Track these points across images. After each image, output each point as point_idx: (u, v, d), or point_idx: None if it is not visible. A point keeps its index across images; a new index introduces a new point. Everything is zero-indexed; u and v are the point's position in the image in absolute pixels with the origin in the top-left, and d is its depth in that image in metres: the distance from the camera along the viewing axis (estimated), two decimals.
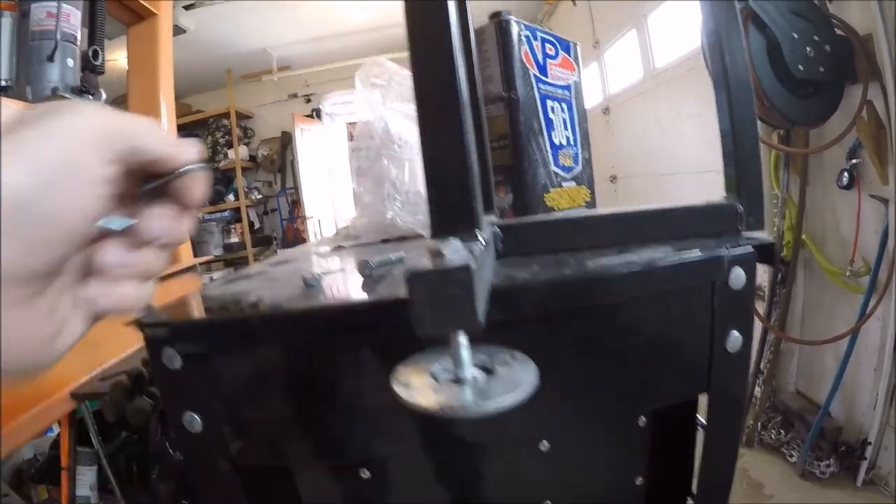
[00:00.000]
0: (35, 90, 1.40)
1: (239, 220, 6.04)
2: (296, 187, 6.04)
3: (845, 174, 2.18)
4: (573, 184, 0.90)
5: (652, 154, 3.78)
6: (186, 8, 4.50)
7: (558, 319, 0.49)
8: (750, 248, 0.51)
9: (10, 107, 0.31)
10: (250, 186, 6.26)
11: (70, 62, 1.48)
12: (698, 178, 3.14)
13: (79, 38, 1.52)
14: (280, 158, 6.33)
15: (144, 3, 1.94)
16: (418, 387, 0.31)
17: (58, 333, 0.32)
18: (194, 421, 0.53)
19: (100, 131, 0.31)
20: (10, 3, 1.43)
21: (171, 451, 1.27)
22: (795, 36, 1.95)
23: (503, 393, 0.30)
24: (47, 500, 1.71)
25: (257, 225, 6.31)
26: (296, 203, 6.08)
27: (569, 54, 0.96)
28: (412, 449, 0.55)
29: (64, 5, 1.44)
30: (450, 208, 0.34)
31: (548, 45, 0.90)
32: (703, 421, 0.65)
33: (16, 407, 1.19)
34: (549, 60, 0.90)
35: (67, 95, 1.44)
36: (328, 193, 5.48)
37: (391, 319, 0.46)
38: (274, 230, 6.43)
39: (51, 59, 1.42)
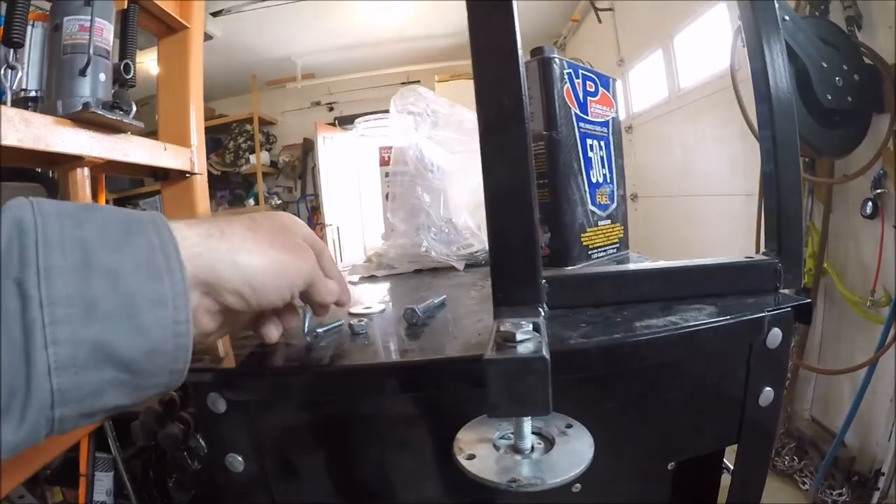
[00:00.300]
0: (66, 105, 1.38)
1: None
2: (316, 194, 6.08)
3: (869, 203, 2.17)
4: (608, 221, 0.91)
5: (673, 174, 3.78)
6: (213, 15, 4.55)
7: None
8: (788, 310, 0.52)
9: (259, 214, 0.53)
10: (270, 192, 6.32)
11: (102, 77, 1.45)
12: (720, 202, 3.14)
13: (111, 51, 1.53)
14: (301, 165, 6.38)
15: (177, 17, 1.97)
16: (482, 458, 0.33)
17: (217, 333, 0.51)
18: (236, 461, 0.55)
19: (305, 277, 0.52)
20: (41, 14, 1.44)
21: (189, 460, 1.27)
22: (825, 65, 1.95)
23: (564, 467, 0.31)
24: (62, 502, 1.72)
25: None
26: (315, 210, 6.12)
27: (608, 90, 0.97)
28: (445, 491, 0.56)
29: (97, 19, 1.41)
30: (515, 281, 0.36)
31: (588, 83, 0.91)
32: (730, 465, 0.66)
33: None
34: (589, 98, 0.91)
35: (99, 111, 1.44)
36: (357, 213, 5.52)
37: (443, 378, 0.48)
38: None
39: (83, 73, 1.39)
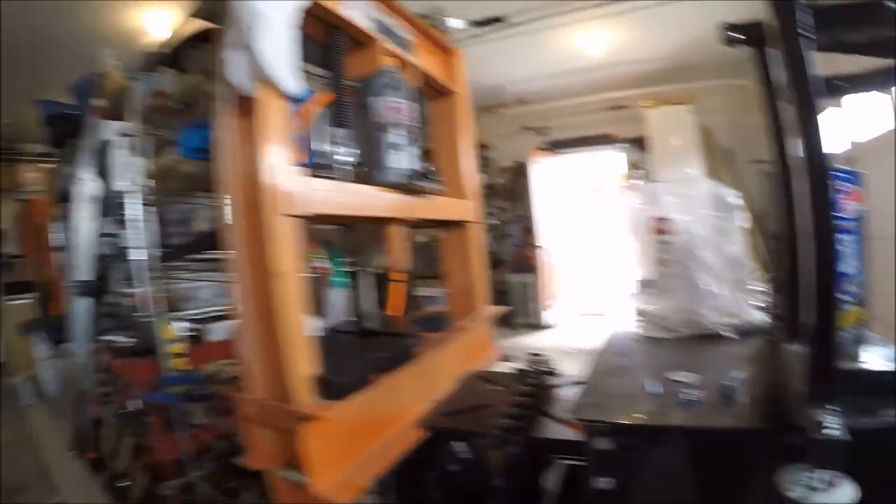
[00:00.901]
0: (382, 175, 1.66)
1: None
2: (528, 216, 6.53)
3: None
4: (852, 306, 1.11)
5: None
6: None
7: None
8: None
9: None
10: (487, 212, 6.77)
11: (412, 150, 1.73)
12: None
13: (415, 126, 1.77)
14: (514, 187, 6.85)
15: (445, 84, 2.36)
16: (797, 493, 0.67)
17: None
18: (608, 483, 0.95)
19: None
20: (325, 96, 1.65)
21: (448, 462, 1.47)
22: None
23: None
24: None
25: (491, 248, 6.78)
26: (527, 231, 6.56)
27: (858, 185, 1.12)
28: None
29: (403, 101, 1.71)
30: (822, 384, 0.69)
31: (841, 182, 1.06)
32: None
33: (359, 434, 1.40)
34: (841, 196, 1.06)
35: (419, 183, 1.73)
36: (570, 236, 6.05)
37: (765, 437, 0.82)
38: (506, 254, 6.87)
39: (397, 148, 1.67)
